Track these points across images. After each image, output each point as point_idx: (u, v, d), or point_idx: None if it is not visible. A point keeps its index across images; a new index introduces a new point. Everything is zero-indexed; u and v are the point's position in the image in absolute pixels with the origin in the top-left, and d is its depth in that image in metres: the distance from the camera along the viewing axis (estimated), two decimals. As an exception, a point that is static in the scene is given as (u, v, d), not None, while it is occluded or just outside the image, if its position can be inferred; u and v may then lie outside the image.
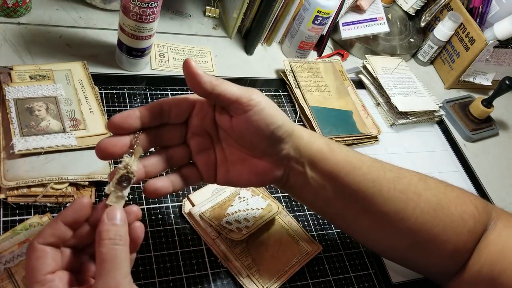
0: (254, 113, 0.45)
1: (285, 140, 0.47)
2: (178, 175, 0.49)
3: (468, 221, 0.54)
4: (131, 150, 0.43)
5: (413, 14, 1.04)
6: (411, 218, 0.52)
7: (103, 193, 0.58)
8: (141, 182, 0.61)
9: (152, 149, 0.50)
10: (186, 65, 0.44)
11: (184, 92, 0.74)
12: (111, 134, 0.44)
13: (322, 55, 0.92)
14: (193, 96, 0.47)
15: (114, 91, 0.69)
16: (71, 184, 0.56)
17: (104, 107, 0.65)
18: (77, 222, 0.40)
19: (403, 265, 0.59)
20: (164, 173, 0.49)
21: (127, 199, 0.42)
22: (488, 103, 0.92)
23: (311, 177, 0.50)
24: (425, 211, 0.52)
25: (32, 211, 0.54)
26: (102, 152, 0.43)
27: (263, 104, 0.45)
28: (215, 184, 0.62)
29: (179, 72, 0.76)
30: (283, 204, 0.66)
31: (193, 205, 0.60)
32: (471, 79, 1.00)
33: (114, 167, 0.45)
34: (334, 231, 0.66)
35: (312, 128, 0.76)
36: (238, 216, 0.59)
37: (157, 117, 0.46)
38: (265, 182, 0.50)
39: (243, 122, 0.45)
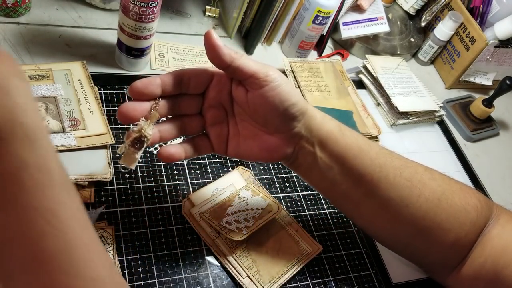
0: (269, 88, 0.46)
1: (298, 118, 0.48)
2: (191, 144, 0.50)
3: (471, 213, 0.54)
4: (147, 115, 0.46)
5: (414, 14, 1.03)
6: (415, 205, 0.53)
7: (102, 193, 0.58)
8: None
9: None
10: (207, 36, 0.45)
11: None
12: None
13: (322, 55, 0.92)
14: (212, 69, 0.48)
15: (114, 91, 0.69)
16: (71, 184, 0.55)
17: (103, 107, 0.65)
18: None
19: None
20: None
21: (140, 160, 0.42)
22: (488, 103, 0.91)
23: (319, 157, 0.51)
24: (430, 199, 0.53)
25: (32, 211, 0.54)
26: (123, 116, 0.45)
27: (279, 81, 0.46)
28: (215, 184, 0.63)
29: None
30: (283, 204, 0.66)
31: (193, 205, 0.60)
32: (471, 79, 1.00)
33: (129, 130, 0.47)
34: (334, 231, 0.66)
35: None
36: (238, 216, 0.59)
37: (177, 86, 0.47)
38: (274, 158, 0.51)
39: (259, 97, 0.47)
